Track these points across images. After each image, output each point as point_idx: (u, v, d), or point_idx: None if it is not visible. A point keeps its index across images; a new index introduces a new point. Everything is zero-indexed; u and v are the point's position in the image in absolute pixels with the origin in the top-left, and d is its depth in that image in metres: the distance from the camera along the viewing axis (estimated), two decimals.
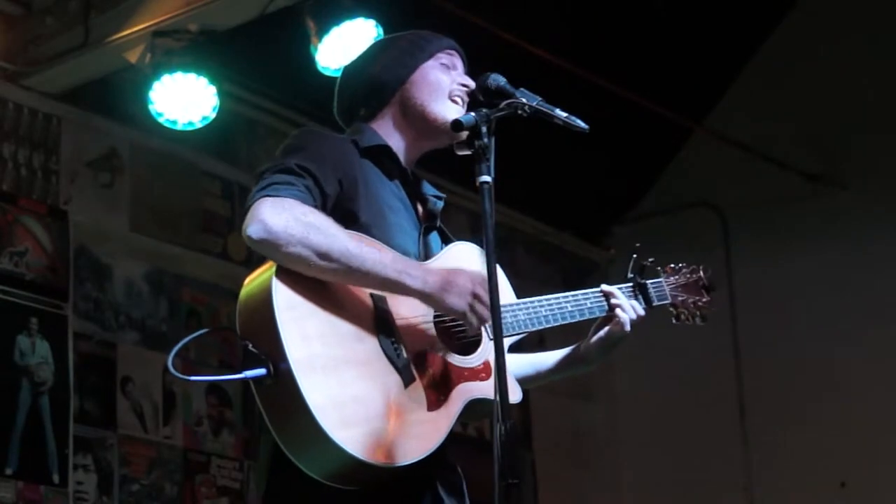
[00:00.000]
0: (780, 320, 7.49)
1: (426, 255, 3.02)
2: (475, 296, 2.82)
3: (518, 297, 3.11)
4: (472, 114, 2.86)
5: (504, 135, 2.84)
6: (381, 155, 3.05)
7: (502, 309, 2.75)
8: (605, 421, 8.02)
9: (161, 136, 5.89)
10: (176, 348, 2.76)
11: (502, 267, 2.92)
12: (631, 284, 3.29)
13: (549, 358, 3.25)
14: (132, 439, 5.78)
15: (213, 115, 5.61)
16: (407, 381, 2.78)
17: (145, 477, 5.79)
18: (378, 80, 3.13)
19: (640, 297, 3.28)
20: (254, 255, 2.83)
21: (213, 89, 5.56)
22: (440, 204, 3.14)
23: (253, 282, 2.78)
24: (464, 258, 3.00)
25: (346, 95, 3.19)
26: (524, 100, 2.89)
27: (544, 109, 2.90)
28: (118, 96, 5.83)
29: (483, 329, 2.94)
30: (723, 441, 7.59)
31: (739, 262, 7.64)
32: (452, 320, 2.92)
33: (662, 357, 7.39)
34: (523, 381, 3.16)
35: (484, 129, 2.81)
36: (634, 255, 3.32)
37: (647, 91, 6.96)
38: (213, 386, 6.09)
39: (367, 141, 3.05)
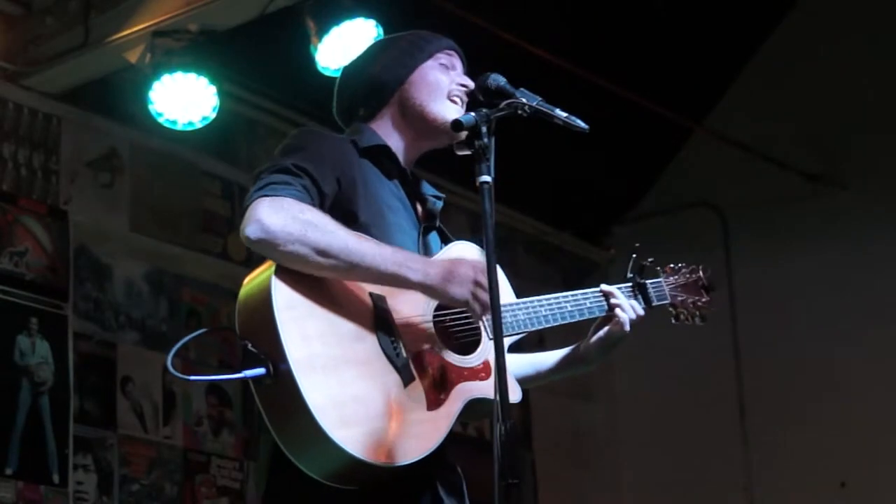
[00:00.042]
0: (780, 320, 7.50)
1: (426, 254, 3.01)
2: (477, 283, 2.81)
3: (518, 297, 3.11)
4: (472, 114, 2.86)
5: (504, 135, 2.84)
6: (381, 155, 3.06)
7: (502, 309, 2.75)
8: (605, 421, 8.02)
9: (161, 136, 5.89)
10: (175, 348, 2.76)
11: (502, 267, 2.92)
12: (630, 284, 3.29)
13: (548, 358, 3.26)
14: (132, 439, 5.78)
15: (213, 115, 5.61)
16: (406, 380, 2.78)
17: (145, 477, 5.79)
18: (377, 81, 3.14)
19: (639, 296, 3.28)
20: (254, 255, 2.84)
21: (213, 89, 5.56)
22: (439, 204, 3.15)
23: (252, 281, 2.78)
24: (464, 257, 3.00)
25: (345, 95, 3.20)
26: (524, 100, 2.89)
27: (544, 109, 2.90)
28: (118, 96, 5.83)
29: (483, 327, 2.94)
30: (723, 441, 7.59)
31: (739, 262, 7.64)
32: (452, 320, 2.92)
33: (662, 357, 7.39)
34: (523, 381, 3.16)
35: (484, 129, 2.81)
36: (634, 255, 3.32)
37: (647, 91, 6.96)
38: (213, 386, 6.09)
39: (367, 141, 3.05)
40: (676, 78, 7.26)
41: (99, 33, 5.54)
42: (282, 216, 2.72)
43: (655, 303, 3.33)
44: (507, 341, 2.86)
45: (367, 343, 2.77)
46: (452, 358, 2.90)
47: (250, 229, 2.73)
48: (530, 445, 7.57)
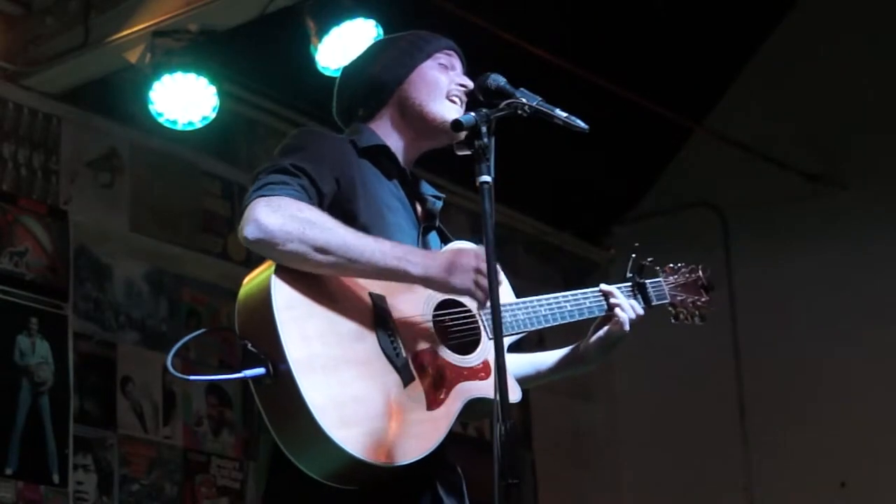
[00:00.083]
0: (780, 320, 7.50)
1: None
2: (478, 271, 2.81)
3: (518, 297, 3.11)
4: (472, 114, 2.86)
5: (504, 135, 2.84)
6: (380, 155, 3.06)
7: (502, 308, 2.74)
8: (605, 421, 8.02)
9: (161, 136, 5.89)
10: (175, 348, 2.76)
11: (502, 267, 2.92)
12: (630, 284, 3.29)
13: (548, 357, 3.26)
14: (132, 439, 5.78)
15: (213, 115, 5.61)
16: (406, 380, 2.78)
17: (145, 477, 5.79)
18: (376, 81, 3.14)
19: (639, 296, 3.28)
20: (253, 255, 2.84)
21: (213, 89, 5.56)
22: (439, 204, 3.15)
23: (252, 281, 2.78)
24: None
25: (345, 96, 3.20)
26: (524, 100, 2.89)
27: (544, 109, 2.90)
28: (118, 96, 5.83)
29: (483, 327, 2.94)
30: (723, 441, 7.59)
31: (739, 262, 7.64)
32: (452, 319, 2.92)
33: (662, 357, 7.39)
34: (523, 381, 3.16)
35: (484, 129, 2.81)
36: (633, 255, 3.32)
37: (647, 91, 6.96)
38: (213, 386, 6.09)
39: (366, 141, 3.05)
40: (676, 78, 7.26)
41: (99, 33, 5.54)
42: (279, 215, 2.72)
43: (655, 302, 3.33)
44: (506, 341, 2.86)
45: (366, 343, 2.77)
46: (452, 357, 2.90)
47: (248, 230, 2.73)
48: (530, 445, 7.56)
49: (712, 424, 7.62)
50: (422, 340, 2.86)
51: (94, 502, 5.58)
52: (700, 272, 3.49)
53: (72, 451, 5.54)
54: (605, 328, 3.19)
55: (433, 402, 2.82)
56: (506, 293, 3.08)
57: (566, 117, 2.91)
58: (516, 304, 3.06)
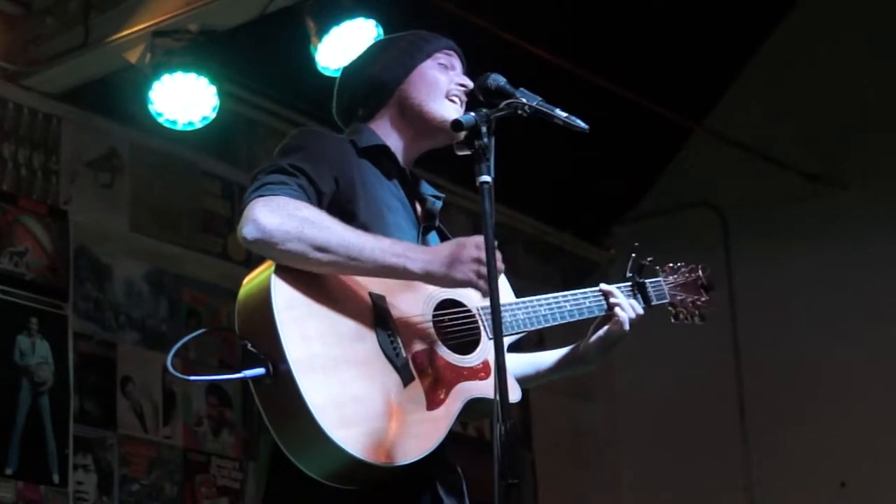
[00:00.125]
0: (780, 320, 7.50)
1: None
2: (479, 261, 2.80)
3: (518, 297, 3.11)
4: (472, 114, 2.85)
5: (504, 135, 2.84)
6: (380, 155, 3.06)
7: (501, 308, 2.74)
8: (605, 421, 8.02)
9: (161, 136, 5.89)
10: (175, 348, 2.76)
11: None
12: (630, 284, 3.29)
13: (548, 357, 3.25)
14: (132, 439, 5.78)
15: (213, 115, 5.61)
16: (406, 380, 2.78)
17: (145, 477, 5.79)
18: (376, 80, 3.14)
19: (638, 296, 3.28)
20: (253, 255, 2.83)
21: (213, 89, 5.56)
22: (439, 204, 3.15)
23: (252, 281, 2.78)
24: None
25: (344, 96, 3.20)
26: (524, 100, 2.89)
27: (544, 109, 2.90)
28: (118, 96, 5.83)
29: (482, 327, 2.94)
30: (723, 441, 7.59)
31: (739, 262, 7.64)
32: (451, 319, 2.92)
33: (662, 357, 7.39)
34: (523, 381, 3.16)
35: (484, 129, 2.81)
36: (633, 255, 3.32)
37: (647, 91, 6.96)
38: (213, 386, 6.09)
39: (366, 141, 3.05)
40: (676, 78, 7.26)
41: (99, 33, 5.54)
42: (278, 215, 2.72)
43: (655, 302, 3.33)
44: (506, 341, 2.86)
45: (366, 343, 2.77)
46: (452, 357, 2.90)
47: (247, 230, 2.73)
48: (530, 445, 7.57)
49: (712, 424, 7.62)
50: (422, 340, 2.86)
51: (94, 502, 5.58)
52: (700, 272, 3.49)
53: (72, 451, 5.54)
54: (605, 328, 3.19)
55: (433, 402, 2.81)
56: (505, 293, 3.08)
57: (566, 117, 2.91)
58: (516, 303, 3.06)
